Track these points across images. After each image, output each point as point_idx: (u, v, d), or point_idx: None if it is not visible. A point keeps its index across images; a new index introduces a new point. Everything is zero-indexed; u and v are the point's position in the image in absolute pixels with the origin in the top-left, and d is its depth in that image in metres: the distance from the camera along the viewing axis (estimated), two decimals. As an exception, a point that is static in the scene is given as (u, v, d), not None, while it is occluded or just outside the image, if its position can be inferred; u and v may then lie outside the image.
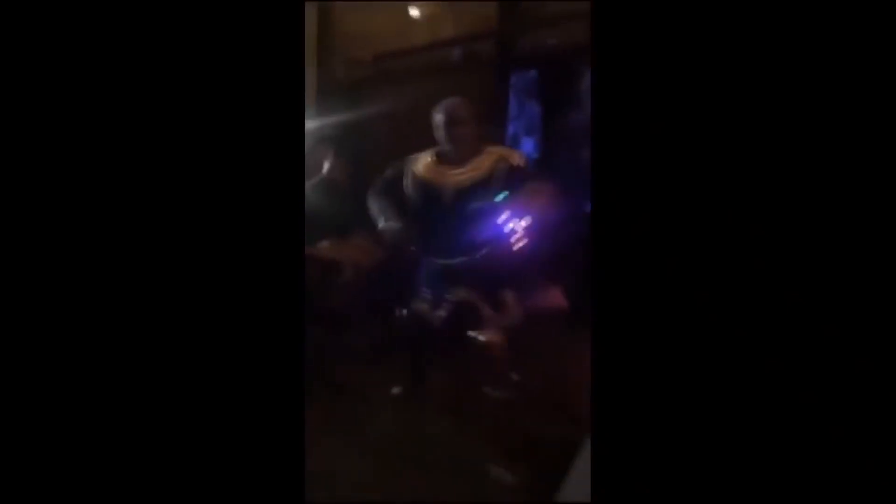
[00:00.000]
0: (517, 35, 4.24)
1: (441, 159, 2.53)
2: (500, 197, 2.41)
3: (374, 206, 2.58)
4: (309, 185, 3.07)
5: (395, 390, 2.88)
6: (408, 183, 2.57)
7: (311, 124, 3.39)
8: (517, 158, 2.50)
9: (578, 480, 1.67)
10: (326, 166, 3.28)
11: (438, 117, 2.48)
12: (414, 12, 4.26)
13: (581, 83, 4.25)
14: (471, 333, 2.52)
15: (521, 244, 2.34)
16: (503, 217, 2.34)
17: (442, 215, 2.48)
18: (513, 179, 2.42)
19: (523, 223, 2.35)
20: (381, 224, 2.52)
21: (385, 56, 4.06)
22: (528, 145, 4.79)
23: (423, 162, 2.57)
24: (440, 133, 2.48)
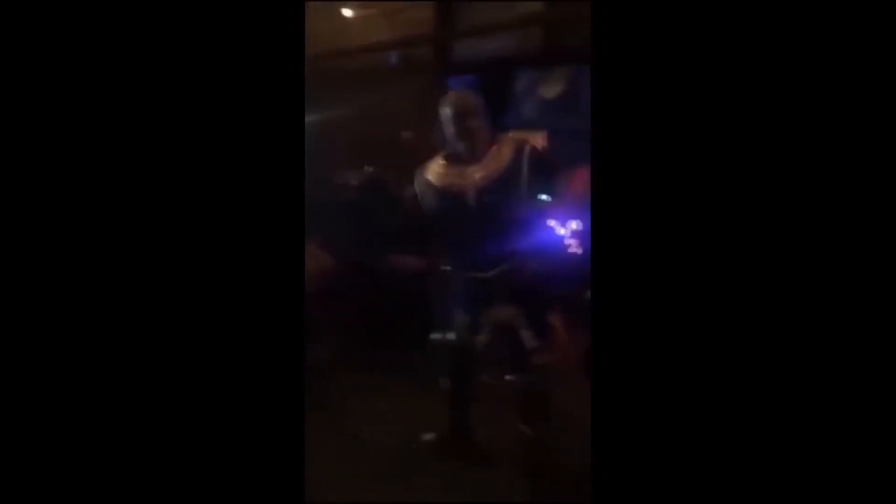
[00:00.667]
0: (452, 41, 4.26)
1: (454, 161, 2.24)
2: (542, 196, 2.15)
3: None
4: None
5: (428, 437, 2.50)
6: (423, 197, 2.29)
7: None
8: (540, 140, 2.20)
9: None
10: None
11: (446, 111, 2.21)
12: (348, 13, 4.20)
13: (515, 87, 4.32)
14: (508, 377, 2.28)
15: (576, 250, 2.10)
16: (550, 221, 2.11)
17: (469, 222, 2.21)
18: (542, 166, 2.16)
19: (575, 226, 2.15)
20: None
21: (321, 57, 3.98)
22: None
23: (433, 169, 2.27)
24: (449, 129, 2.21)
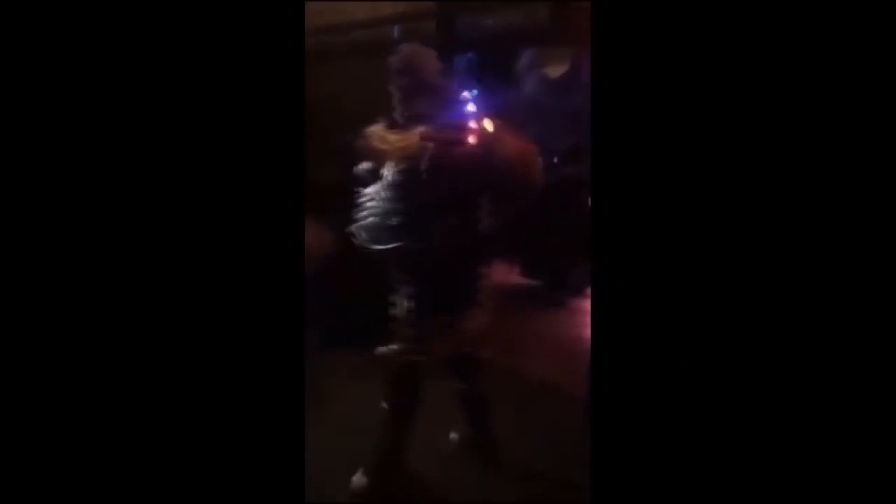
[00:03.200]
0: (455, 16, 4.20)
1: (389, 123, 2.01)
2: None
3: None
4: None
5: (453, 436, 2.38)
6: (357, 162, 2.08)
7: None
8: (468, 137, 1.89)
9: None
10: None
11: (392, 63, 1.99)
12: None
13: (517, 64, 4.27)
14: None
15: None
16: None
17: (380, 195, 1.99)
18: (448, 161, 1.88)
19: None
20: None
21: (322, 30, 3.91)
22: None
23: (371, 131, 2.05)
24: (391, 86, 1.98)
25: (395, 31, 4.11)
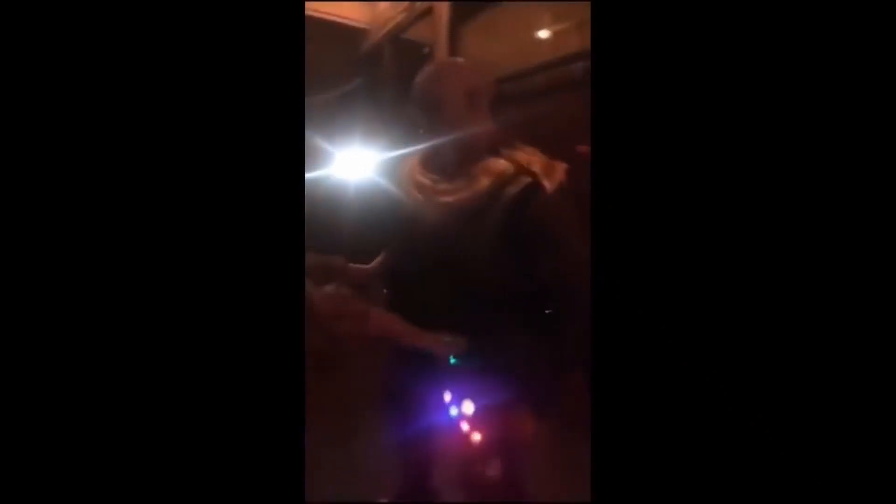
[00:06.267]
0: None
1: (426, 165, 1.53)
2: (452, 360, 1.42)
3: None
4: None
5: None
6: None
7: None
8: (558, 172, 1.39)
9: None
10: None
11: (418, 86, 1.47)
12: (542, 34, 3.83)
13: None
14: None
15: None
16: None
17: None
18: (525, 212, 1.35)
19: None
20: None
21: (507, 79, 3.69)
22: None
23: (406, 168, 1.58)
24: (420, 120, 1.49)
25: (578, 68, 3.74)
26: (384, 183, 1.63)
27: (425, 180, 1.51)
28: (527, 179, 1.38)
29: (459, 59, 1.69)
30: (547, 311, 1.39)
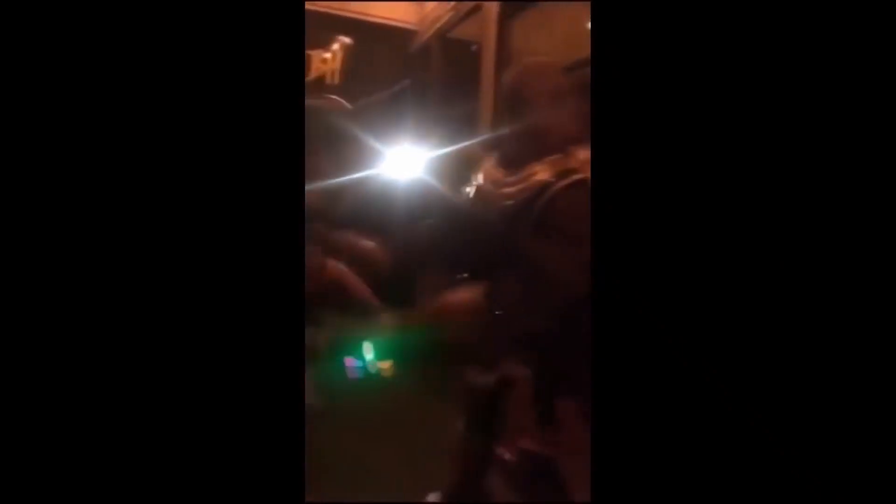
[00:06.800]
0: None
1: (500, 160, 1.60)
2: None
3: None
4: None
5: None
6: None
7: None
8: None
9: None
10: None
11: (506, 86, 1.57)
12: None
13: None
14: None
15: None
16: None
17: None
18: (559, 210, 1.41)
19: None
20: None
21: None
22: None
23: (485, 162, 1.63)
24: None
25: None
26: (432, 181, 1.74)
27: (498, 174, 1.58)
28: (578, 175, 1.44)
29: (545, 59, 1.72)
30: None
